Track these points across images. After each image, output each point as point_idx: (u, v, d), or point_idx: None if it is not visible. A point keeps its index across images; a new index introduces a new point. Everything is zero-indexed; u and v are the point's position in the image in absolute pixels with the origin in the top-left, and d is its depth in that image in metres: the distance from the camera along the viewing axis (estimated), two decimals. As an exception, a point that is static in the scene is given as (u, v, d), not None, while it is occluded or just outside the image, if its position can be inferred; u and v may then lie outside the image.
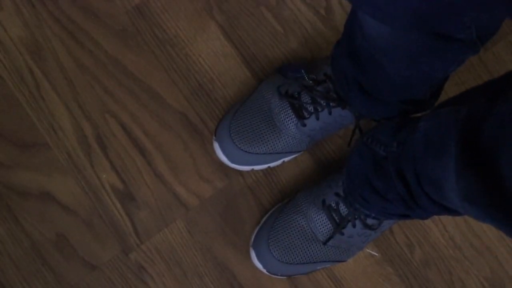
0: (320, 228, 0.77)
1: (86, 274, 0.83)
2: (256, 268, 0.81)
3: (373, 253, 0.85)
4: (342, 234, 0.77)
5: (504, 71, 0.90)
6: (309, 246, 0.78)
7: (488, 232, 0.86)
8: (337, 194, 0.76)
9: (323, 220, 0.77)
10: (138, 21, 0.87)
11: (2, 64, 0.85)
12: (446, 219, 0.86)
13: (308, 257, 0.78)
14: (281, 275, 0.80)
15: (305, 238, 0.78)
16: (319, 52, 0.88)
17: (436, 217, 0.86)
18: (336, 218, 0.76)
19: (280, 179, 0.86)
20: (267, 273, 0.80)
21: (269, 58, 0.87)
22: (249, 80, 0.87)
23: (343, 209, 0.75)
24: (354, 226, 0.76)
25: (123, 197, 0.84)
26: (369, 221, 0.75)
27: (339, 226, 0.76)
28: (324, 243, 0.77)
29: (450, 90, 0.89)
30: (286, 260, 0.78)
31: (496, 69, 0.89)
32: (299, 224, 0.78)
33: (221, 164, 0.84)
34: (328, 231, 0.77)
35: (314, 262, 0.79)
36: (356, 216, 0.75)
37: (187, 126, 0.86)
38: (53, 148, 0.84)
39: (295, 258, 0.78)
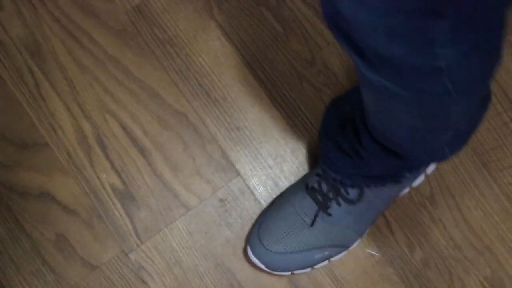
0: (307, 211, 0.78)
1: (86, 274, 0.83)
2: (256, 266, 0.81)
3: (373, 253, 0.85)
4: (329, 214, 0.77)
5: (504, 71, 0.90)
6: (299, 231, 0.78)
7: (488, 232, 0.86)
8: (317, 174, 0.77)
9: (308, 203, 0.78)
10: (138, 21, 0.87)
11: (2, 64, 0.85)
12: (446, 219, 0.86)
13: (300, 243, 0.78)
14: (281, 271, 0.80)
15: (294, 224, 0.78)
16: (319, 52, 0.88)
17: (436, 217, 0.86)
18: (319, 197, 0.77)
19: (280, 180, 0.86)
20: (266, 269, 0.80)
21: (269, 58, 0.88)
22: (249, 80, 0.87)
23: (324, 187, 0.77)
24: (338, 204, 0.76)
25: (123, 197, 0.84)
26: (350, 194, 0.76)
27: (322, 203, 0.76)
28: (312, 225, 0.77)
29: (450, 90, 0.89)
30: (278, 249, 0.78)
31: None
32: (287, 212, 0.79)
33: (221, 164, 0.85)
34: (314, 212, 0.77)
35: (309, 249, 0.79)
36: (337, 192, 0.76)
37: (187, 126, 0.86)
38: (53, 148, 0.84)
39: (287, 246, 0.78)
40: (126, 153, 0.85)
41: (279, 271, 0.80)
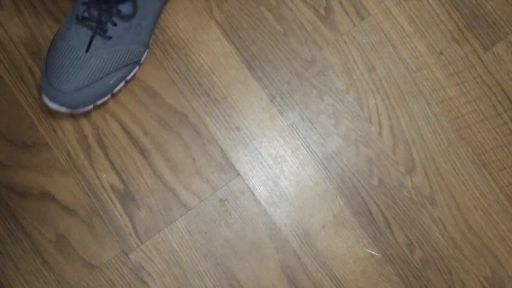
0: (85, 41, 0.76)
1: (86, 274, 0.83)
2: (56, 110, 0.79)
3: (373, 253, 0.85)
4: (109, 37, 0.76)
5: (504, 71, 0.91)
6: (85, 63, 0.76)
7: (488, 232, 0.86)
8: (84, 3, 0.76)
9: (84, 33, 0.76)
10: (138, 21, 0.87)
11: (2, 64, 0.85)
12: (446, 219, 0.86)
13: (90, 74, 0.77)
14: (83, 106, 0.79)
15: (76, 58, 0.76)
16: (319, 52, 0.88)
17: (436, 217, 0.86)
18: (93, 24, 0.76)
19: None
20: (68, 110, 0.79)
21: (269, 58, 0.88)
22: (249, 80, 0.87)
23: (95, 13, 0.75)
24: (114, 24, 0.75)
25: (123, 197, 0.84)
26: (123, 10, 0.74)
27: (98, 28, 0.75)
28: (87, 50, 0.76)
29: (450, 90, 0.89)
30: (70, 87, 0.77)
31: (496, 69, 0.89)
32: (66, 48, 0.77)
33: (221, 164, 0.85)
34: (90, 39, 0.76)
35: (102, 78, 0.78)
36: (109, 13, 0.74)
37: (187, 126, 0.86)
38: (53, 148, 0.84)
39: (78, 82, 0.77)
40: (126, 153, 0.85)
41: (82, 108, 0.79)
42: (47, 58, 0.79)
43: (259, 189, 0.85)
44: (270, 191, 0.86)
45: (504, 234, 0.87)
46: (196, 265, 0.84)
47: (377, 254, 0.85)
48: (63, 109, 0.79)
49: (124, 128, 0.85)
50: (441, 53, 0.89)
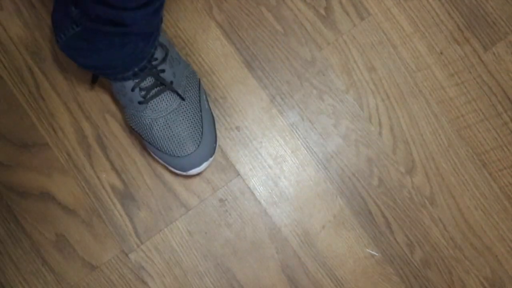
0: (169, 102, 0.78)
1: (86, 274, 0.83)
2: (205, 168, 0.82)
3: (373, 253, 0.85)
4: (171, 82, 0.78)
5: (504, 71, 0.91)
6: (188, 115, 0.79)
7: (488, 232, 0.86)
8: (132, 89, 0.76)
9: (160, 101, 0.77)
10: (138, 21, 0.87)
11: (2, 64, 0.85)
12: (446, 219, 0.86)
13: (194, 114, 0.80)
14: (215, 145, 0.82)
15: (174, 117, 0.78)
16: (319, 52, 0.88)
17: (436, 217, 0.86)
18: (156, 89, 0.77)
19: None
20: (209, 161, 0.81)
21: (269, 58, 0.88)
22: (249, 80, 0.87)
23: (149, 80, 0.76)
24: (163, 71, 0.77)
25: (123, 197, 0.84)
26: (158, 56, 0.76)
27: (161, 87, 0.77)
28: (184, 98, 0.78)
29: (451, 90, 0.89)
30: (195, 144, 0.79)
31: (496, 69, 0.89)
32: (165, 120, 0.78)
33: (221, 164, 0.85)
34: (166, 92, 0.78)
35: (200, 108, 0.81)
36: (152, 68, 0.76)
37: (187, 126, 0.86)
38: (53, 148, 0.84)
39: (200, 132, 0.79)
40: (126, 153, 0.85)
41: (214, 149, 0.82)
42: (159, 147, 0.79)
43: (259, 189, 0.85)
44: (270, 191, 0.86)
45: (504, 234, 0.87)
46: (196, 265, 0.84)
47: (377, 254, 0.85)
48: (209, 161, 0.81)
49: (124, 128, 0.85)
50: (441, 53, 0.89)
